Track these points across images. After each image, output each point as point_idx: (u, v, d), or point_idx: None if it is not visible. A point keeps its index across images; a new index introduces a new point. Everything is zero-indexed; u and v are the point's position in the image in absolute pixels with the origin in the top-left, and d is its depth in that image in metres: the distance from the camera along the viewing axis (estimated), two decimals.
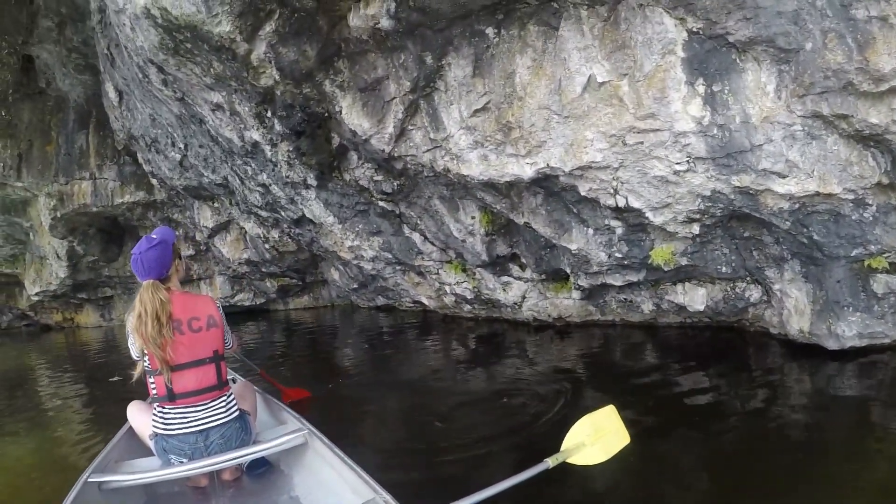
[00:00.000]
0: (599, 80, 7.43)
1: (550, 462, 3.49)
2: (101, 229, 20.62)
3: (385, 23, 8.10)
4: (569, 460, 3.65)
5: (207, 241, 18.26)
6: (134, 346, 3.95)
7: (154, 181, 16.91)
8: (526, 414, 6.78)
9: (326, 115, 9.76)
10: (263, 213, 14.20)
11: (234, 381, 5.58)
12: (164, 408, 3.98)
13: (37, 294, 22.87)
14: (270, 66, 8.97)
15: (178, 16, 8.53)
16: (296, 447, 4.38)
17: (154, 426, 4.06)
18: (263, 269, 18.20)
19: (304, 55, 8.81)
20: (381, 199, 11.47)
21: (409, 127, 9.23)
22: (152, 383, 4.02)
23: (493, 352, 10.62)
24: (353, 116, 9.36)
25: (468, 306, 13.35)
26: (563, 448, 3.71)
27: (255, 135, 10.69)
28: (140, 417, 4.44)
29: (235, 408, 4.15)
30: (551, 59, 7.69)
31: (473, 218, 10.68)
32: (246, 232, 16.49)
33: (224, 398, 4.07)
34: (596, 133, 7.69)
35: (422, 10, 7.77)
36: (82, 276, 22.03)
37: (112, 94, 14.92)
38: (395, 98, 8.93)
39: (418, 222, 11.61)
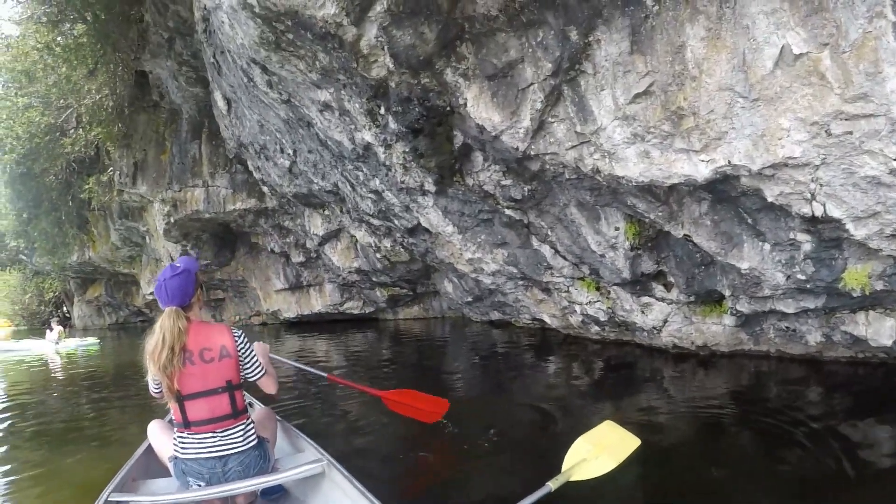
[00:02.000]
0: (795, 51, 5.40)
1: (552, 485, 3.42)
2: (213, 234, 20.73)
3: None
4: (574, 478, 3.61)
5: (318, 249, 17.55)
6: (149, 371, 3.83)
7: (265, 188, 16.15)
8: (663, 455, 5.54)
9: (448, 109, 8.05)
10: (375, 222, 12.82)
11: (250, 405, 5.43)
12: (182, 433, 3.91)
13: (151, 293, 23.44)
14: (383, 52, 7.38)
15: (276, 1, 7.15)
16: (313, 476, 4.25)
17: (174, 449, 3.98)
18: (374, 279, 17.32)
19: (421, 38, 7.16)
20: (508, 207, 9.70)
21: (550, 119, 7.38)
22: (169, 407, 3.95)
23: (624, 380, 9.01)
24: (480, 109, 7.63)
25: (596, 328, 11.58)
26: (563, 469, 3.68)
27: (367, 135, 9.17)
28: (160, 438, 4.38)
29: (254, 435, 4.03)
30: (731, 27, 5.72)
31: (617, 229, 8.84)
32: (357, 240, 15.42)
33: (242, 426, 3.94)
34: (793, 120, 5.64)
35: None
36: None
37: (221, 103, 14.22)
38: (531, 85, 7.13)
39: (549, 233, 9.84)
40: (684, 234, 7.78)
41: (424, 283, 17.12)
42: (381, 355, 13.20)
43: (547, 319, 12.66)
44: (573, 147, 7.36)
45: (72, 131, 22.23)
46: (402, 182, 9.87)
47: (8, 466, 6.27)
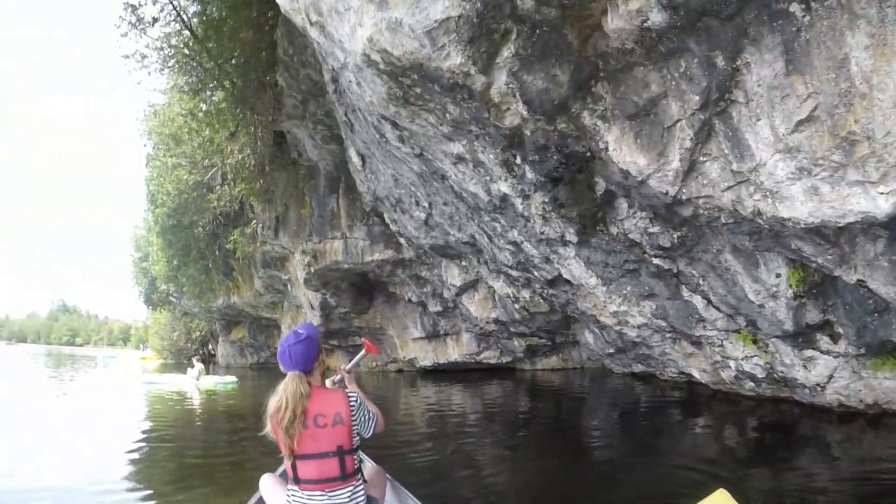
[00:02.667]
0: None
1: None
2: (352, 284, 20.98)
3: (656, 17, 5.62)
4: None
5: (455, 299, 17.16)
6: (270, 428, 3.90)
7: (401, 240, 15.95)
8: None
9: (588, 154, 7.34)
10: (514, 273, 12.19)
11: (361, 461, 4.97)
12: (293, 487, 3.99)
13: None
14: (515, 99, 6.78)
15: (400, 56, 6.73)
16: None
17: (286, 502, 4.04)
18: (511, 329, 16.71)
19: (554, 81, 6.52)
20: (656, 256, 8.81)
21: (701, 158, 6.49)
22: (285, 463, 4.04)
23: (782, 442, 8.13)
24: (623, 153, 6.86)
25: (751, 384, 10.39)
26: None
27: (503, 186, 8.58)
28: (272, 492, 4.38)
29: (362, 495, 4.00)
30: None
31: (778, 276, 7.79)
32: (494, 291, 14.83)
33: (350, 488, 3.93)
34: None
35: None
36: (334, 324, 22.77)
37: (355, 159, 14.20)
38: (678, 121, 6.29)
39: (700, 283, 8.86)
40: (857, 279, 6.68)
41: (564, 334, 16.31)
42: (518, 407, 12.72)
43: (696, 374, 11.58)
44: (730, 188, 6.42)
45: (217, 188, 23.52)
46: (542, 233, 9.17)
47: (141, 492, 6.42)
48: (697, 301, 9.29)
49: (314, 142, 17.69)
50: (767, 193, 6.06)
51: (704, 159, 6.46)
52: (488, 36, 6.20)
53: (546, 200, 8.27)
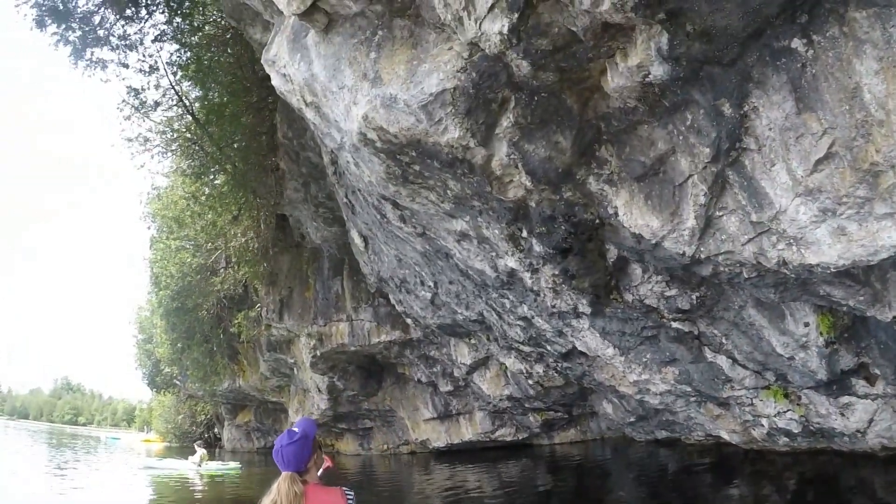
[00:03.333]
0: None
1: None
2: (359, 366, 20.52)
3: (658, 70, 5.36)
4: None
5: (466, 378, 16.56)
6: None
7: (408, 320, 15.53)
8: None
9: (597, 221, 6.99)
10: (526, 349, 11.72)
11: None
12: None
13: None
14: (517, 170, 6.49)
15: (396, 132, 6.49)
16: None
17: None
18: (526, 405, 16.09)
19: (556, 148, 6.24)
20: (675, 320, 8.38)
21: (717, 213, 6.16)
22: None
23: (826, 496, 7.85)
24: (633, 216, 6.53)
25: (785, 439, 9.81)
26: None
27: (511, 262, 8.22)
28: None
29: None
30: None
31: (807, 325, 7.40)
32: (507, 367, 14.30)
33: None
34: None
35: (705, 34, 4.98)
36: (342, 408, 22.29)
37: (358, 241, 13.92)
38: (690, 177, 5.98)
39: (724, 342, 8.43)
40: (893, 316, 6.28)
41: (580, 405, 15.67)
42: (538, 484, 12.27)
43: (725, 435, 10.92)
44: (750, 240, 6.08)
45: (221, 271, 23.38)
46: (553, 306, 8.76)
47: None
48: (722, 361, 8.82)
49: (316, 224, 17.48)
50: (791, 241, 5.73)
51: (720, 214, 6.14)
52: (486, 106, 5.96)
53: (556, 273, 7.88)
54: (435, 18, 5.91)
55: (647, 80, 5.50)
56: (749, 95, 5.33)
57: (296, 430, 3.95)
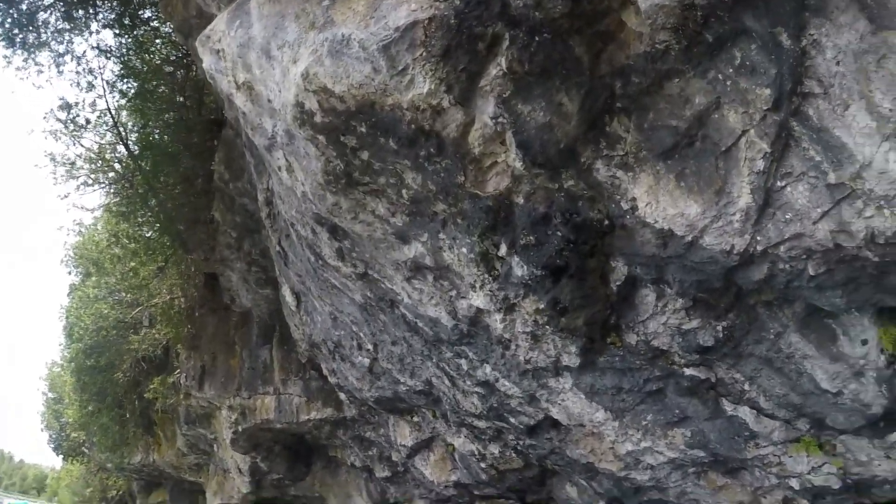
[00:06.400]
0: None
1: None
2: (286, 446, 18.48)
3: None
4: None
5: (406, 462, 14.43)
6: None
7: (342, 395, 13.78)
8: None
9: (606, 223, 5.18)
10: (481, 424, 9.77)
11: None
12: None
13: None
14: (504, 146, 4.74)
15: (343, 93, 4.79)
16: None
17: None
18: (475, 491, 13.83)
19: (559, 113, 4.55)
20: (690, 365, 6.58)
21: (779, 183, 4.56)
22: None
23: None
24: (661, 206, 4.83)
25: (803, 502, 8.03)
26: None
27: (477, 299, 6.36)
28: None
29: None
30: None
31: (865, 343, 5.89)
32: (455, 449, 12.28)
33: None
34: None
35: None
36: (266, 492, 20.09)
37: (289, 299, 12.43)
38: (743, 135, 4.39)
39: (746, 388, 6.72)
40: None
41: (537, 491, 13.65)
42: None
43: None
44: (826, 213, 4.57)
45: (142, 329, 21.19)
46: (528, 361, 6.83)
47: None
48: (745, 413, 7.11)
49: (248, 285, 15.89)
50: (882, 202, 4.37)
51: (783, 183, 4.58)
52: (470, 45, 4.24)
53: (542, 307, 5.95)
54: None
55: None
56: (807, 26, 4.10)
57: None
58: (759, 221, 4.71)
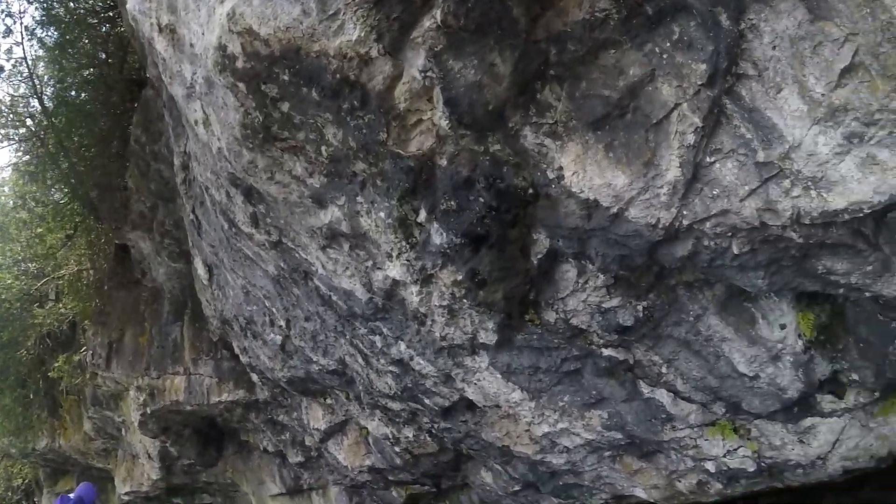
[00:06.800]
0: None
1: None
2: (196, 430, 17.68)
3: None
4: None
5: (319, 446, 14.04)
6: None
7: (254, 376, 13.23)
8: None
9: (530, 192, 5.06)
10: (395, 406, 9.55)
11: None
12: None
13: (127, 494, 20.73)
14: (431, 104, 4.57)
15: (268, 36, 4.54)
16: None
17: None
18: (390, 477, 13.50)
19: (491, 73, 4.40)
20: (609, 345, 6.57)
21: (709, 159, 4.55)
22: None
23: None
24: (588, 175, 4.74)
25: (717, 485, 8.13)
26: None
27: (394, 270, 6.15)
28: None
29: None
30: None
31: (783, 327, 5.98)
32: (369, 433, 11.99)
33: None
34: None
35: None
36: (177, 479, 19.22)
37: (202, 272, 11.97)
38: (675, 108, 4.37)
39: (663, 371, 6.74)
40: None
41: (451, 476, 13.44)
42: None
43: (641, 494, 8.98)
44: (753, 192, 4.58)
45: (48, 303, 20.02)
46: (444, 338, 6.65)
47: None
48: (662, 396, 7.10)
49: (160, 258, 15.12)
50: (809, 183, 4.40)
51: (713, 159, 4.54)
52: None
53: (460, 279, 5.76)
54: None
55: None
56: (746, 10, 4.09)
57: (71, 496, 3.63)
58: (686, 196, 4.67)
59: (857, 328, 5.87)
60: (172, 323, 15.92)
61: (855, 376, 6.30)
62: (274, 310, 9.64)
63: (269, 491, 17.73)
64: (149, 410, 16.37)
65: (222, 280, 10.89)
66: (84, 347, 18.83)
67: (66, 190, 16.04)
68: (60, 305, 19.13)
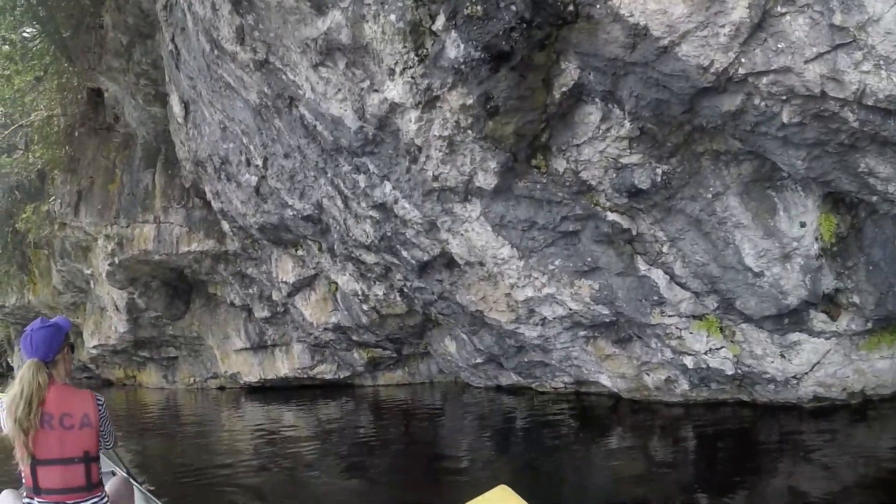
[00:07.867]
0: None
1: None
2: (165, 282, 16.91)
3: None
4: None
5: (286, 302, 13.46)
6: (6, 426, 3.29)
7: (225, 224, 12.40)
8: None
9: (571, 9, 4.11)
10: (369, 259, 8.78)
11: (113, 473, 4.75)
12: (31, 499, 3.34)
13: (95, 347, 20.08)
14: None
15: None
16: None
17: None
18: (354, 337, 13.05)
19: None
20: (615, 209, 5.74)
21: (779, 8, 3.70)
22: (22, 471, 3.39)
23: (743, 451, 6.11)
24: None
25: (684, 385, 7.61)
26: None
27: (394, 89, 5.21)
28: None
29: None
30: None
31: (803, 225, 5.31)
32: (338, 288, 11.29)
33: (95, 499, 3.38)
34: None
35: None
36: (144, 332, 18.65)
37: (177, 109, 10.96)
38: None
39: (664, 250, 5.99)
40: None
41: (413, 344, 12.94)
42: (363, 430, 9.98)
43: (606, 382, 8.51)
44: (821, 55, 3.82)
45: (19, 152, 18.55)
46: (437, 177, 5.76)
47: None
48: (658, 277, 6.37)
49: (135, 102, 13.93)
50: (881, 62, 3.74)
51: (784, 9, 3.70)
52: None
53: (470, 102, 4.80)
54: None
55: None
56: None
57: (49, 320, 3.61)
58: (748, 42, 3.92)
59: (872, 249, 5.39)
60: (144, 170, 14.88)
61: (855, 299, 5.83)
62: (252, 147, 8.80)
63: (233, 345, 17.21)
64: (117, 260, 15.61)
65: (199, 117, 10.03)
66: (52, 197, 17.69)
67: (36, 26, 14.59)
68: (29, 155, 17.71)
